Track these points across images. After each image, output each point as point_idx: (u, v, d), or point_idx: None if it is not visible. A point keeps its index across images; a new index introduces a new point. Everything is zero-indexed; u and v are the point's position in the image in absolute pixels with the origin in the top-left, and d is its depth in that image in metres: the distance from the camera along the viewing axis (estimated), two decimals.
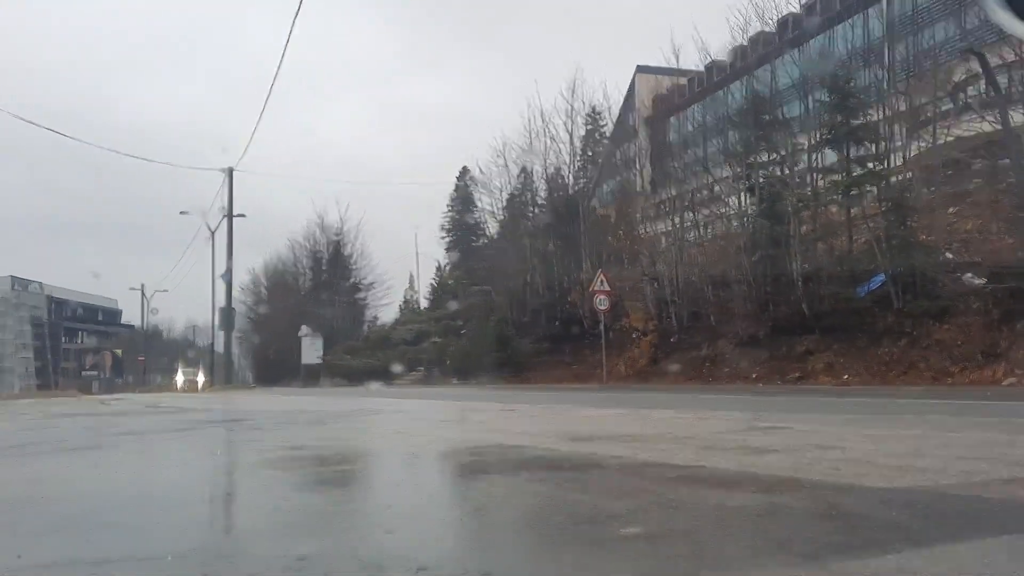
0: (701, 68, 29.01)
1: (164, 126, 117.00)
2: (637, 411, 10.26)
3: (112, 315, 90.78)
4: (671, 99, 31.05)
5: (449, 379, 34.20)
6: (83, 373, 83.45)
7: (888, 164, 19.30)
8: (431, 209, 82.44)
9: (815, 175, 20.80)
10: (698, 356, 22.84)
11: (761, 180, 22.27)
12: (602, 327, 24.25)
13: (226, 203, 29.49)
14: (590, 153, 33.07)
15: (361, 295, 65.12)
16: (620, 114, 33.06)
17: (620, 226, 27.56)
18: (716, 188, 24.61)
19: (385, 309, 65.71)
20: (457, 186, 58.37)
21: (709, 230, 25.49)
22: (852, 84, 19.97)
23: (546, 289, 31.09)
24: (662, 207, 27.56)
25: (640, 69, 34.17)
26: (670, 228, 26.26)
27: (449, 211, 60.28)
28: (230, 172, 29.21)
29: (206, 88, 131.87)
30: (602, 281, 24.34)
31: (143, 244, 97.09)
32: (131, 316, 71.01)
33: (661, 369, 23.62)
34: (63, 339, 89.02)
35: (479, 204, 39.81)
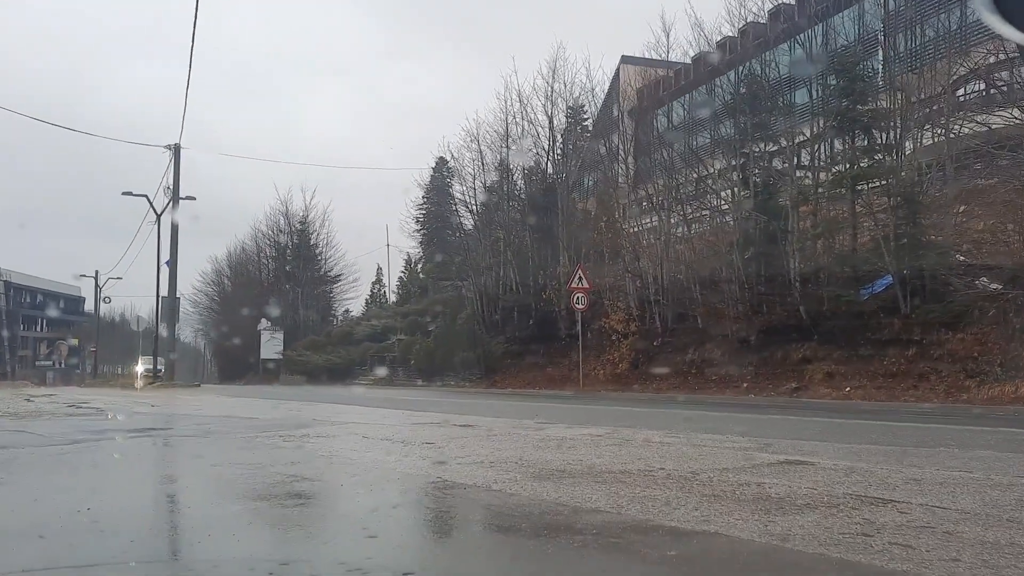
0: (688, 60, 27.76)
1: (136, 110, 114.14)
2: (617, 430, 8.85)
3: (74, 303, 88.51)
4: (656, 90, 29.67)
5: (414, 380, 32.73)
6: (37, 363, 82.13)
7: (898, 155, 18.07)
8: (404, 201, 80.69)
9: (817, 166, 19.52)
10: (683, 361, 21.55)
11: (757, 171, 20.98)
12: (579, 327, 22.90)
13: (173, 182, 27.66)
14: (571, 146, 31.63)
15: (326, 287, 63.54)
16: (603, 106, 31.63)
17: (602, 218, 26.19)
18: (707, 179, 23.26)
19: (351, 303, 64.17)
20: (433, 177, 56.71)
21: (696, 227, 24.17)
22: (860, 67, 18.72)
23: (520, 285, 29.67)
24: (647, 202, 26.19)
25: (625, 60, 32.76)
26: (655, 223, 24.93)
27: (424, 203, 58.61)
28: (176, 149, 27.43)
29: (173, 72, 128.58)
30: (580, 277, 22.99)
31: (107, 231, 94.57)
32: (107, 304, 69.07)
33: (643, 374, 22.30)
34: (21, 327, 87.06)
35: (455, 194, 38.27)
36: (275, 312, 53.45)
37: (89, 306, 73.92)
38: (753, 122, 21.39)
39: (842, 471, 5.66)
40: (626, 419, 11.03)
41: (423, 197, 57.08)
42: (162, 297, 28.13)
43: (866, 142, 18.02)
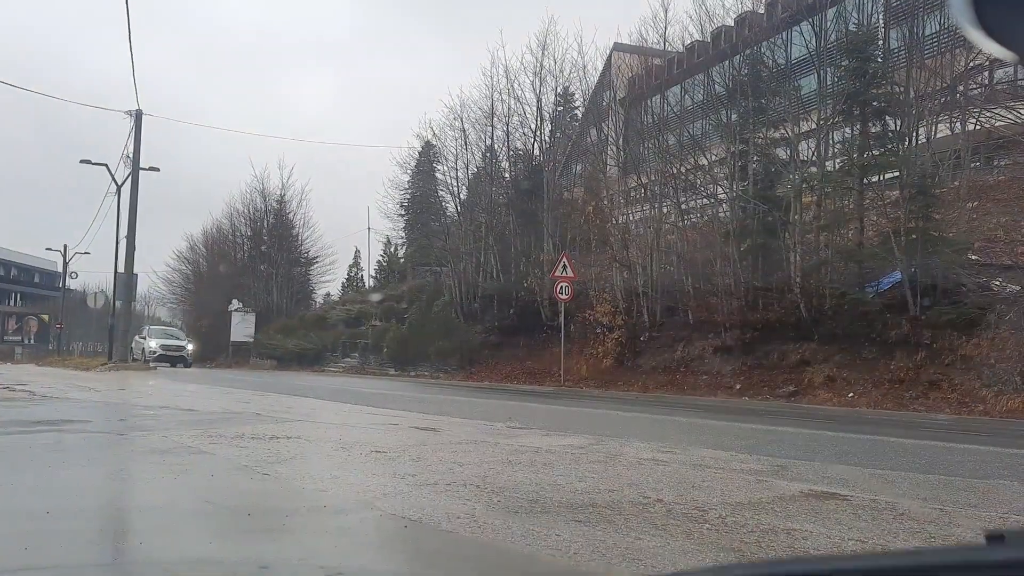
0: (688, 40, 26.58)
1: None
2: (602, 440, 7.74)
3: (51, 278, 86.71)
4: (650, 77, 28.40)
5: (386, 369, 31.51)
6: (5, 339, 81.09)
7: (912, 143, 17.02)
8: (382, 179, 79.19)
9: (823, 154, 18.42)
10: (671, 358, 20.48)
11: (757, 159, 19.88)
12: (562, 319, 21.78)
13: (133, 151, 26.21)
14: (559, 134, 30.34)
15: (301, 269, 62.30)
16: (594, 91, 30.31)
17: (590, 203, 25.01)
18: (704, 166, 22.10)
19: (328, 286, 62.93)
20: (419, 162, 55.26)
21: (689, 216, 23.06)
22: (873, 47, 17.63)
23: (501, 272, 28.46)
24: (637, 184, 25.05)
25: (617, 47, 31.44)
26: (646, 210, 23.81)
27: (409, 187, 57.14)
28: (137, 115, 25.97)
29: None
30: (565, 266, 21.84)
31: (86, 204, 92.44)
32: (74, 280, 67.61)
33: (628, 371, 21.22)
34: None
35: (437, 176, 36.82)
36: (247, 293, 52.09)
37: (76, 283, 72.34)
38: (755, 105, 20.28)
39: (886, 511, 4.57)
40: (612, 425, 9.93)
41: (408, 182, 55.64)
42: (118, 273, 26.72)
43: (878, 128, 16.92)
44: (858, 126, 17.42)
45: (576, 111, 32.36)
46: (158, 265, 72.08)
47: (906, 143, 17.03)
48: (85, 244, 64.59)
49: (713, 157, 22.20)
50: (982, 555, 0.73)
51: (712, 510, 4.49)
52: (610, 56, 30.42)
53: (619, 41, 29.44)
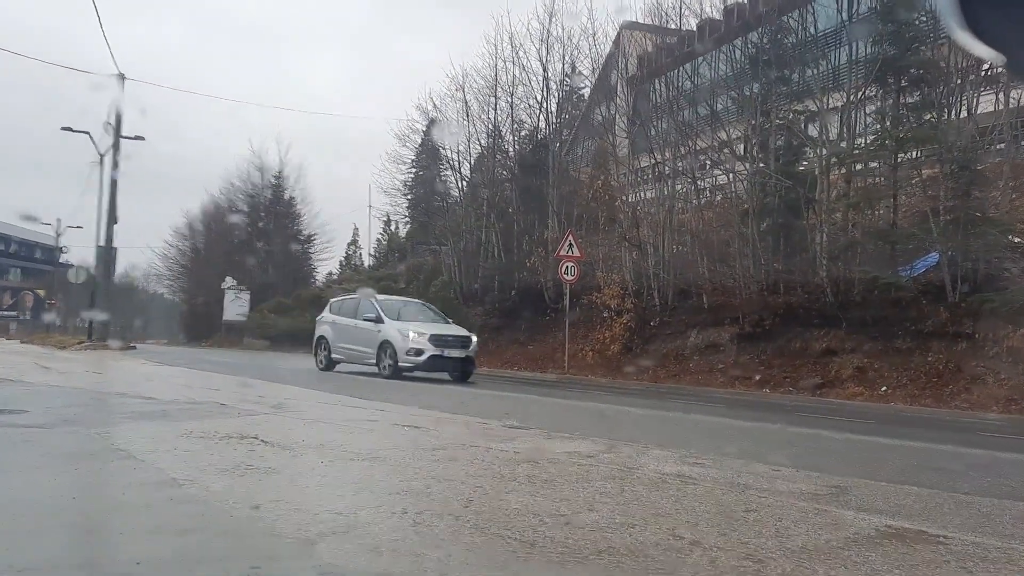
0: (698, 20, 25.21)
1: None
2: (615, 447, 6.64)
3: (52, 253, 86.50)
4: (664, 52, 27.01)
5: None
6: (1, 314, 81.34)
7: (953, 115, 15.80)
8: (379, 154, 77.74)
9: (854, 126, 17.18)
10: (684, 346, 19.37)
11: (780, 131, 18.66)
12: (567, 301, 20.67)
13: (115, 118, 25.05)
14: (565, 116, 28.97)
15: (299, 247, 61.44)
16: (604, 65, 28.91)
17: (598, 178, 23.81)
18: (721, 136, 20.82)
19: (326, 264, 62.13)
20: (424, 141, 53.95)
21: (705, 194, 21.84)
22: (913, 7, 16.34)
23: (503, 252, 27.29)
24: (650, 166, 23.79)
25: (626, 26, 30.01)
26: (659, 186, 22.61)
27: (413, 164, 55.87)
28: (120, 79, 24.79)
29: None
30: (571, 244, 20.69)
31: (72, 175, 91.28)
32: (74, 254, 67.08)
33: (637, 358, 20.11)
34: None
35: (444, 152, 35.45)
36: (243, 271, 51.36)
37: (67, 257, 71.81)
38: (777, 76, 19.05)
39: (1003, 564, 3.46)
40: (623, 424, 8.82)
41: (413, 160, 54.40)
42: (98, 247, 25.62)
43: (915, 98, 15.68)
44: (893, 95, 16.18)
45: (583, 91, 30.92)
46: (156, 242, 71.32)
47: (945, 115, 15.79)
48: (78, 219, 63.70)
49: (734, 135, 20.91)
50: None
51: (770, 560, 3.38)
52: (619, 35, 28.99)
53: (629, 20, 28.08)
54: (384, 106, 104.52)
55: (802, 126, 18.65)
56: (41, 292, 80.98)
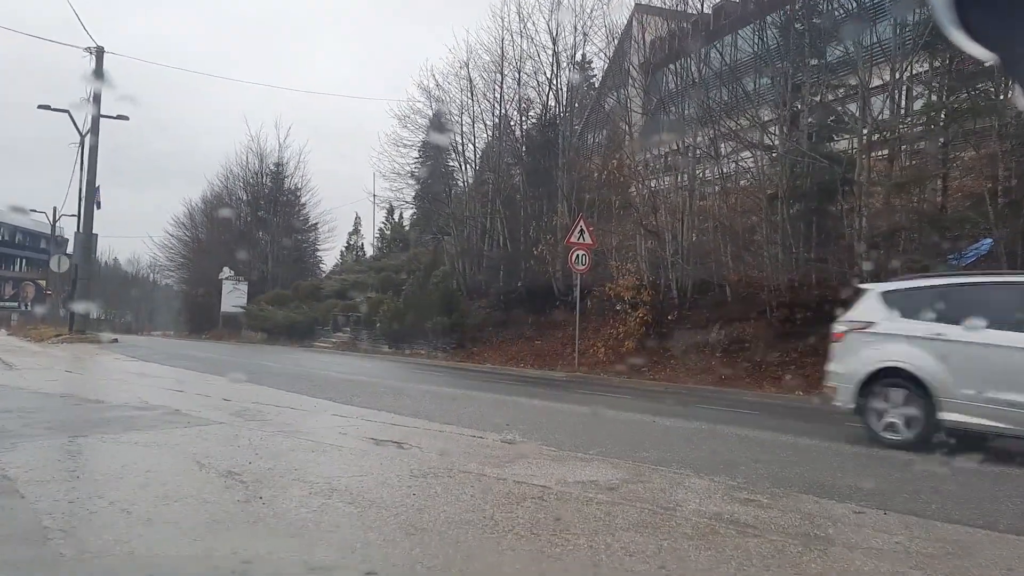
0: (708, 11, 23.82)
1: None
2: (643, 475, 5.40)
3: (57, 244, 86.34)
4: (682, 29, 25.60)
5: (380, 346, 29.21)
6: (2, 304, 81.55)
7: (1010, 86, 14.43)
8: (378, 135, 76.39)
9: (899, 98, 15.82)
10: (705, 341, 18.06)
11: (812, 107, 17.31)
12: (577, 293, 19.39)
13: (93, 94, 23.81)
14: (576, 104, 27.58)
15: (299, 236, 60.44)
16: (618, 46, 27.49)
17: (613, 156, 22.44)
18: (746, 115, 19.43)
19: (327, 254, 61.17)
20: (430, 122, 52.65)
21: (729, 177, 20.48)
22: None
23: (509, 239, 26.00)
24: (669, 146, 22.43)
25: (639, 8, 28.58)
26: (679, 168, 21.27)
27: (419, 150, 54.66)
28: (99, 53, 23.54)
29: None
30: (582, 231, 19.40)
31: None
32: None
33: (653, 355, 18.81)
34: None
35: (448, 133, 33.97)
36: (240, 259, 50.42)
37: (72, 249, 71.38)
38: (811, 45, 17.69)
39: None
40: (648, 438, 7.55)
41: (419, 144, 53.17)
42: (76, 233, 24.44)
43: (973, 66, 14.30)
44: (944, 63, 14.82)
45: (595, 78, 29.43)
46: (157, 232, 70.75)
47: (1004, 84, 14.41)
48: (68, 206, 62.89)
49: (763, 114, 19.51)
50: None
51: None
52: (631, 19, 27.55)
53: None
54: (390, 91, 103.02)
55: (839, 100, 17.29)
56: (42, 282, 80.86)
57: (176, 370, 14.82)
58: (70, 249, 60.52)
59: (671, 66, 23.42)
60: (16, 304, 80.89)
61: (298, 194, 58.39)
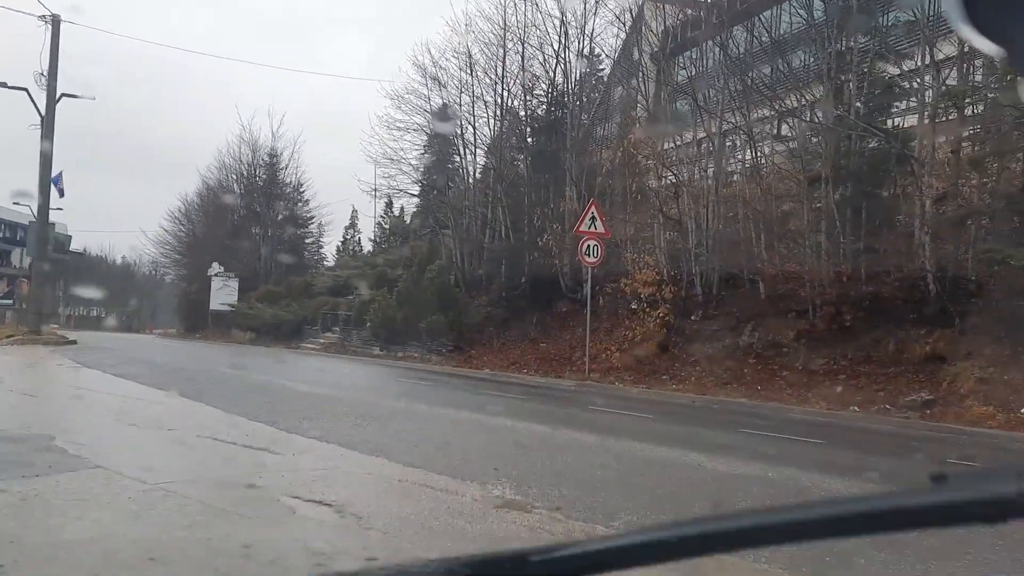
0: None
1: None
2: (707, 574, 3.32)
3: (59, 241, 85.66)
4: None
5: (371, 346, 27.25)
6: None
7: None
8: (376, 122, 74.70)
9: (970, 59, 13.69)
10: (735, 346, 16.05)
11: (863, 72, 15.25)
12: (588, 289, 17.35)
13: (49, 68, 21.84)
14: (589, 81, 25.54)
15: (294, 231, 58.86)
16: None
17: (628, 134, 20.38)
18: (786, 87, 17.33)
19: (322, 250, 59.67)
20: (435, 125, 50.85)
21: (763, 153, 18.41)
22: None
23: (512, 230, 23.97)
24: (693, 120, 20.34)
25: None
26: (703, 147, 19.23)
27: (425, 151, 52.82)
28: (55, 21, 21.60)
29: None
30: (594, 218, 17.40)
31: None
32: (80, 241, 65.68)
33: (675, 360, 16.83)
34: None
35: (450, 113, 31.84)
36: (236, 256, 49.03)
37: (73, 245, 70.33)
38: (857, 7, 15.69)
39: None
40: (700, 494, 5.49)
41: (424, 144, 51.28)
42: (30, 223, 22.49)
43: None
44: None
45: (602, 72, 27.34)
46: (151, 226, 69.43)
47: None
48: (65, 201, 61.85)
49: (808, 92, 17.45)
50: (926, 497, 0.75)
51: None
52: (642, 6, 25.38)
53: None
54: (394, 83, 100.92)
55: (897, 66, 15.19)
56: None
57: (117, 381, 12.80)
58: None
59: (702, 42, 21.36)
60: (11, 301, 79.96)
61: (293, 186, 56.88)
